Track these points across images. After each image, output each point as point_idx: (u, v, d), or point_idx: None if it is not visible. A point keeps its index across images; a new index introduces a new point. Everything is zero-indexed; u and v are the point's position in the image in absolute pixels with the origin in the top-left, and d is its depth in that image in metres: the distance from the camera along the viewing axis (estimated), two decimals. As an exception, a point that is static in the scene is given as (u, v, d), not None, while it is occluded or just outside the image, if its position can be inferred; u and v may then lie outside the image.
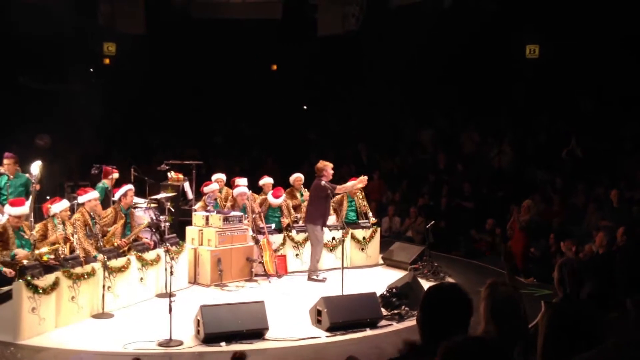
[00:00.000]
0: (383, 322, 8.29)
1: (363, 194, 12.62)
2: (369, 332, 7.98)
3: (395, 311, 8.48)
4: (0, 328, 7.51)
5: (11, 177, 9.93)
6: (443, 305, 2.79)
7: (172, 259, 9.94)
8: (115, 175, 10.92)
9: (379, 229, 12.72)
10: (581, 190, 13.12)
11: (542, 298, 8.45)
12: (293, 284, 10.67)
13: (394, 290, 8.71)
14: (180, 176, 12.59)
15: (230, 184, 12.21)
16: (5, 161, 10.09)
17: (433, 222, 12.38)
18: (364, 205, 12.61)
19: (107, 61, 14.16)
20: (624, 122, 14.31)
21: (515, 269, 11.00)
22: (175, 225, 11.14)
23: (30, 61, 13.16)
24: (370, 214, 12.60)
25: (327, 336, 7.68)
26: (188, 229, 10.96)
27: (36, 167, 10.44)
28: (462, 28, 14.24)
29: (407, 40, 14.59)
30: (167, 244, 9.82)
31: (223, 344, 7.33)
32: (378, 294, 8.66)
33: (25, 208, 8.36)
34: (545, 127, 15.18)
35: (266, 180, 12.34)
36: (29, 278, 7.39)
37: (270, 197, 11.71)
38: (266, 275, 10.96)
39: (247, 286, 10.48)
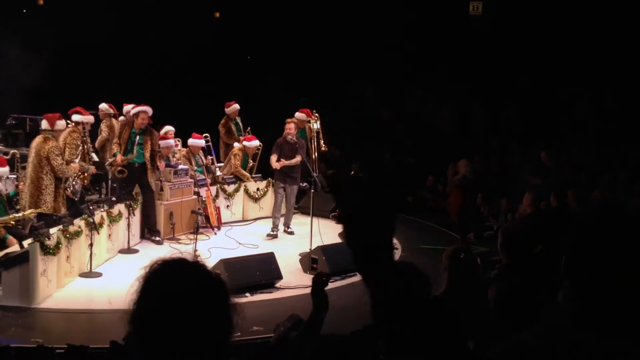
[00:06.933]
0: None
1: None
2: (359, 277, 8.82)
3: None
4: (11, 292, 7.21)
5: None
6: (402, 286, 2.78)
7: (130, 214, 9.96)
8: None
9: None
10: (517, 150, 14.32)
11: (479, 255, 8.44)
12: (240, 234, 11.21)
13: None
14: None
15: None
16: None
17: (352, 172, 13.31)
18: None
19: (41, 2, 12.78)
20: (562, 84, 15.36)
21: (454, 226, 11.67)
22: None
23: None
24: None
25: (330, 282, 8.40)
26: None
27: None
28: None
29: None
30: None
31: (248, 294, 7.76)
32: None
33: None
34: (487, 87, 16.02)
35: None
36: (42, 239, 7.19)
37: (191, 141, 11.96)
38: (210, 227, 11.26)
39: (199, 239, 10.74)
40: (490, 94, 15.71)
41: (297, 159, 11.17)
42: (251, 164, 12.80)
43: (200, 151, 12.31)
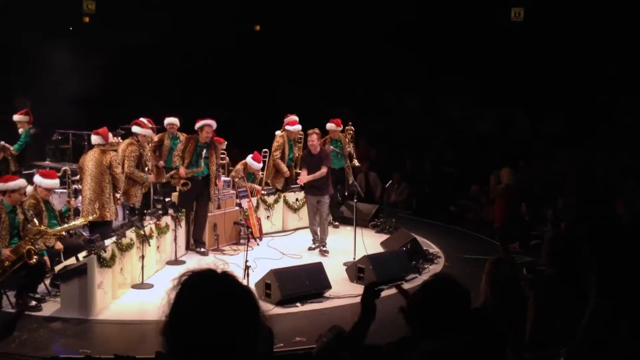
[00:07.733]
0: (410, 275, 9.30)
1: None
2: (406, 285, 8.92)
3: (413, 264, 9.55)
4: (70, 304, 7.46)
5: None
6: (439, 300, 2.84)
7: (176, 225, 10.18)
8: None
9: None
10: (563, 157, 14.12)
11: (524, 265, 8.72)
12: (282, 245, 11.54)
13: (409, 246, 9.74)
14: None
15: None
16: None
17: (390, 181, 13.48)
18: None
19: (86, 19, 13.29)
20: (604, 89, 15.28)
21: (501, 237, 11.60)
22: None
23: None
24: None
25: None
26: (175, 195, 11.07)
27: None
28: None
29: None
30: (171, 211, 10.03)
31: (298, 304, 7.91)
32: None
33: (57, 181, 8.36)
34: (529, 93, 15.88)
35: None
36: (99, 252, 7.44)
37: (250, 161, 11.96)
38: (253, 238, 11.40)
39: (242, 249, 10.89)
40: (532, 99, 15.66)
41: (322, 170, 10.87)
42: (296, 155, 12.78)
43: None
